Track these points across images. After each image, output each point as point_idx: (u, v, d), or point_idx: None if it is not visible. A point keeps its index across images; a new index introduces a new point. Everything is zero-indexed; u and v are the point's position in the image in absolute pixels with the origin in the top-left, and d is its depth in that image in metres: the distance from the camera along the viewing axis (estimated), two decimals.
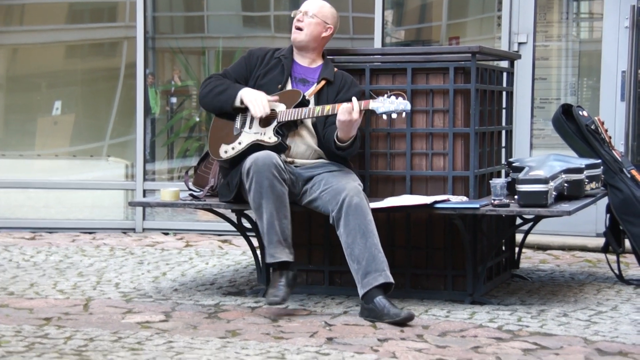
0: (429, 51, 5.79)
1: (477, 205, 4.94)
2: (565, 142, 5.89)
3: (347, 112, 4.89)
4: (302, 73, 5.27)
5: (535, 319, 4.77)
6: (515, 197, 5.06)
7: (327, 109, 4.99)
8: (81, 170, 8.81)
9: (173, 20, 9.07)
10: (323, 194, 4.96)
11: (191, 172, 5.58)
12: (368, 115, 5.26)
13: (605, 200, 5.76)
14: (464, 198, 5.12)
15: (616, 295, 5.40)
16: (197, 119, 8.85)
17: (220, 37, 8.76)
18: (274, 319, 4.73)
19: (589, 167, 5.46)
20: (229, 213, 5.48)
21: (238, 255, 6.82)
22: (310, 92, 5.18)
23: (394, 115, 4.95)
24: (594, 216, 6.72)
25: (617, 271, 5.80)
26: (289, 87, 5.23)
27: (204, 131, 8.61)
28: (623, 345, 4.27)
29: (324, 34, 5.29)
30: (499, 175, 5.77)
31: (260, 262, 5.40)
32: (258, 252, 5.45)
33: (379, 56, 5.85)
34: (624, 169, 5.69)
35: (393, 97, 4.93)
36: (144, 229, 7.88)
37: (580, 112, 5.80)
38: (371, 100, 4.96)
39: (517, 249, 5.99)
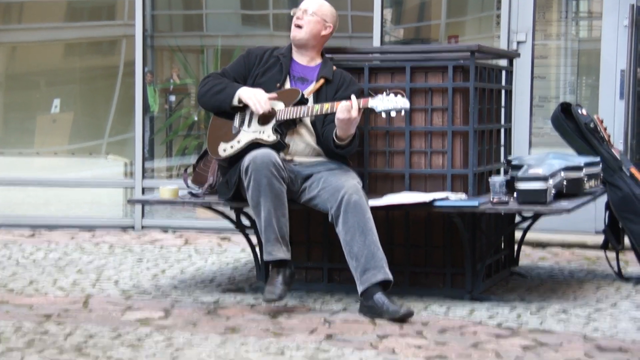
0: (428, 50, 5.81)
1: (476, 203, 4.94)
2: (564, 141, 5.89)
3: (346, 110, 4.88)
4: (301, 72, 5.26)
5: (535, 316, 4.77)
6: (515, 194, 5.06)
7: (326, 107, 4.99)
8: (80, 168, 8.82)
9: (172, 19, 9.08)
10: (322, 191, 4.96)
11: (190, 170, 5.58)
12: (367, 113, 5.26)
13: (604, 198, 5.76)
14: (463, 196, 5.12)
15: (615, 292, 5.41)
16: (196, 117, 8.87)
17: (219, 36, 8.77)
18: (273, 316, 4.73)
19: (588, 165, 5.47)
20: (227, 211, 5.48)
21: (237, 252, 6.82)
22: (309, 91, 5.18)
23: (392, 114, 4.95)
24: (593, 214, 6.72)
25: (616, 268, 5.80)
26: (287, 85, 5.22)
27: (202, 129, 8.62)
28: (622, 342, 4.28)
29: (324, 32, 5.28)
30: (498, 174, 5.77)
31: (259, 259, 5.40)
32: (257, 249, 5.45)
33: (378, 55, 5.86)
34: (623, 167, 5.70)
35: (392, 95, 4.92)
36: (143, 227, 7.88)
37: (579, 111, 5.80)
38: (370, 99, 4.95)
39: (516, 247, 5.99)
